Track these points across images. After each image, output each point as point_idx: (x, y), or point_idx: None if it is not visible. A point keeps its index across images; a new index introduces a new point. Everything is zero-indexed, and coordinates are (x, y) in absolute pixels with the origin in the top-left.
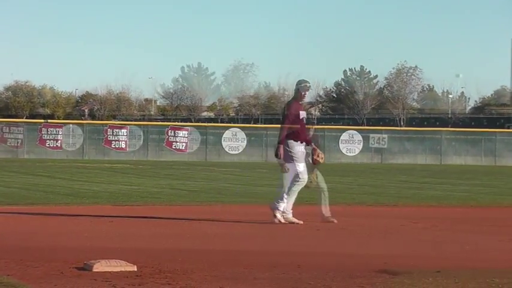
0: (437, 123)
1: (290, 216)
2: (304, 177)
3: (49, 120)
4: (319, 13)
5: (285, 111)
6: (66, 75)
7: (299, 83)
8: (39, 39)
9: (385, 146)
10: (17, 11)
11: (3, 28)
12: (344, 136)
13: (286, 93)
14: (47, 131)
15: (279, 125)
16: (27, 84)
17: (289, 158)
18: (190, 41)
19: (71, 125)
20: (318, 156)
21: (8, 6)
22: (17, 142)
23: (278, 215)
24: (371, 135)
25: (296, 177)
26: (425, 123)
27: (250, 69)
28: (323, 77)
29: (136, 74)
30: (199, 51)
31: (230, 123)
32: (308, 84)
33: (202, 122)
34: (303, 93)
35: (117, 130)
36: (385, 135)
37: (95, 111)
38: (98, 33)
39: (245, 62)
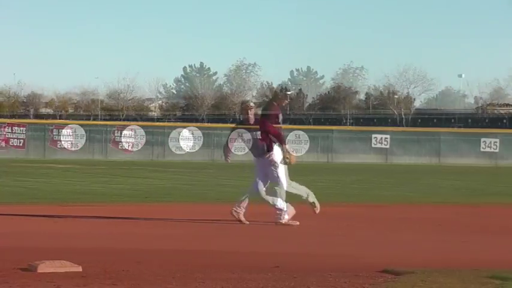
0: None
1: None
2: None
3: None
4: (158, 9)
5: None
6: None
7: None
8: None
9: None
10: None
11: None
12: (291, 136)
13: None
14: None
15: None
16: None
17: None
18: (192, 41)
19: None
20: (289, 157)
21: None
22: None
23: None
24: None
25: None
26: (375, 120)
27: (252, 69)
28: (270, 77)
29: (139, 74)
30: (201, 51)
31: (177, 122)
32: (247, 105)
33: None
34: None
35: (62, 130)
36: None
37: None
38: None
39: (247, 62)
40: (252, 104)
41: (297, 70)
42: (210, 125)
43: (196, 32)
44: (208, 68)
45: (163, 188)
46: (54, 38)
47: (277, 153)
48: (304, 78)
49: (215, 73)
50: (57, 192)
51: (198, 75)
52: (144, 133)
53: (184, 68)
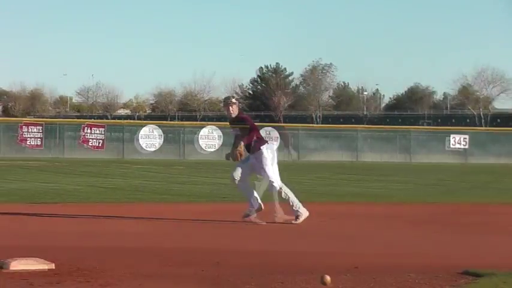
0: (353, 120)
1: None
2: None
3: None
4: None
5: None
6: None
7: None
8: None
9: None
10: None
11: None
12: (262, 133)
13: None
14: None
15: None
16: None
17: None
18: (268, 41)
19: None
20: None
21: None
22: None
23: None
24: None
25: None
26: (341, 120)
27: (328, 69)
28: (239, 74)
29: (215, 74)
30: (277, 51)
31: (146, 120)
32: (228, 101)
33: (118, 119)
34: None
35: (32, 127)
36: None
37: (9, 108)
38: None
39: (323, 63)
40: (234, 100)
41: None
42: (286, 125)
43: (272, 32)
44: (284, 68)
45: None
46: (131, 39)
47: (265, 152)
48: (273, 75)
49: (291, 73)
50: (136, 192)
51: (273, 75)
52: (221, 133)
53: (260, 69)
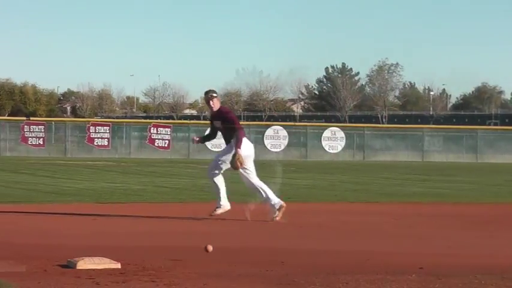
0: (419, 120)
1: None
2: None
3: (31, 118)
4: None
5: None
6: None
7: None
8: (21, 36)
9: None
10: None
11: None
12: (326, 133)
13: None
14: (30, 128)
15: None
16: (8, 81)
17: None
18: (335, 41)
19: (53, 123)
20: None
21: None
22: None
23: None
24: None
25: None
26: (407, 120)
27: (394, 69)
28: (304, 74)
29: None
30: (343, 51)
31: (319, 122)
32: (208, 95)
33: (184, 119)
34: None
35: (99, 127)
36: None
37: (77, 108)
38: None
39: (389, 62)
40: (214, 94)
41: (332, 67)
42: (352, 125)
43: (338, 32)
44: (350, 68)
45: (304, 187)
46: (198, 40)
47: (244, 148)
48: (340, 75)
49: (357, 73)
50: (201, 192)
51: (340, 75)
52: (286, 134)
53: (326, 69)
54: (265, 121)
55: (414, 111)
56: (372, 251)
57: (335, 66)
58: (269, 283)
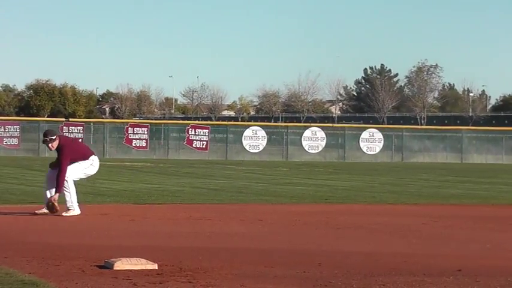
0: (458, 121)
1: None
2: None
3: (70, 119)
4: (337, 12)
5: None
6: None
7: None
8: (61, 37)
9: None
10: (39, 10)
11: (25, 27)
12: (364, 135)
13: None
14: (69, 129)
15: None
16: (48, 83)
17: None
18: (373, 42)
19: (92, 124)
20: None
21: (30, 5)
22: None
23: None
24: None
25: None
26: (446, 121)
27: (434, 70)
28: (343, 76)
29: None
30: (382, 53)
31: (250, 121)
32: (43, 140)
33: (222, 121)
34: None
35: (137, 129)
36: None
37: (116, 109)
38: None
39: (429, 64)
40: (49, 138)
41: (371, 68)
42: (391, 126)
43: (377, 33)
44: (389, 69)
45: (342, 189)
46: (236, 42)
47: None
48: (378, 76)
49: (396, 75)
50: (239, 194)
51: (378, 77)
52: (324, 135)
53: (365, 70)
54: (303, 122)
55: (453, 112)
56: (410, 253)
57: (374, 67)
58: (306, 285)
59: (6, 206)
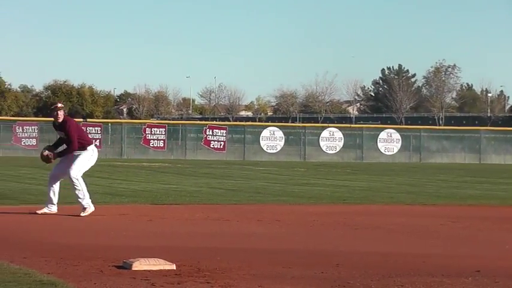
0: (476, 122)
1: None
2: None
3: (88, 120)
4: (354, 12)
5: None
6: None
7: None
8: (79, 38)
9: None
10: (57, 11)
11: (42, 28)
12: (382, 135)
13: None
14: (86, 130)
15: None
16: (66, 83)
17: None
18: (391, 43)
19: (109, 124)
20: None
21: (48, 6)
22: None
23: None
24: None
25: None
26: (464, 122)
27: (452, 70)
28: (361, 76)
29: (337, 76)
30: (400, 53)
31: (268, 122)
32: (52, 107)
33: (240, 121)
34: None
35: (155, 129)
36: None
37: (133, 110)
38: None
39: (446, 64)
40: (60, 105)
41: (388, 68)
42: (408, 127)
43: (395, 33)
44: (407, 70)
45: (359, 189)
46: (254, 42)
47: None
48: (396, 77)
49: (414, 75)
50: (257, 194)
51: (396, 77)
52: (341, 135)
53: (383, 70)
54: (321, 123)
55: (471, 113)
56: (428, 254)
57: (391, 67)
58: (323, 285)
59: (25, 206)
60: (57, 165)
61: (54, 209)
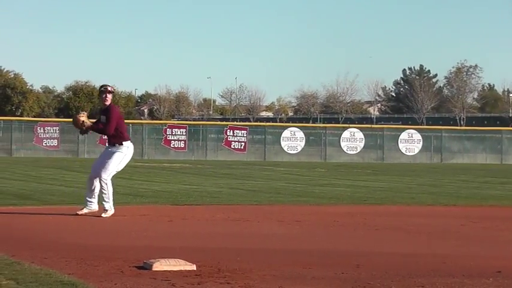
0: (498, 122)
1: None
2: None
3: None
4: (376, 12)
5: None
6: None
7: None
8: (100, 39)
9: None
10: (78, 11)
11: (63, 29)
12: (403, 135)
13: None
14: None
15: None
16: (87, 84)
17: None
18: (412, 43)
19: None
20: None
21: (69, 7)
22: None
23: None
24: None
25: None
26: (486, 122)
27: (473, 71)
28: (382, 76)
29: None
30: (421, 53)
31: (289, 122)
32: (102, 89)
33: (261, 122)
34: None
35: (176, 130)
36: None
37: (154, 111)
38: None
39: (468, 64)
40: (110, 88)
41: (410, 69)
42: (430, 127)
43: (416, 34)
44: (428, 70)
45: (380, 190)
46: (274, 43)
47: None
48: (417, 77)
49: (435, 75)
50: (277, 195)
51: (417, 77)
52: (362, 136)
53: (404, 71)
54: (342, 123)
55: (493, 113)
56: (449, 254)
57: (413, 68)
58: (344, 286)
59: (46, 207)
60: (94, 164)
61: (94, 206)
